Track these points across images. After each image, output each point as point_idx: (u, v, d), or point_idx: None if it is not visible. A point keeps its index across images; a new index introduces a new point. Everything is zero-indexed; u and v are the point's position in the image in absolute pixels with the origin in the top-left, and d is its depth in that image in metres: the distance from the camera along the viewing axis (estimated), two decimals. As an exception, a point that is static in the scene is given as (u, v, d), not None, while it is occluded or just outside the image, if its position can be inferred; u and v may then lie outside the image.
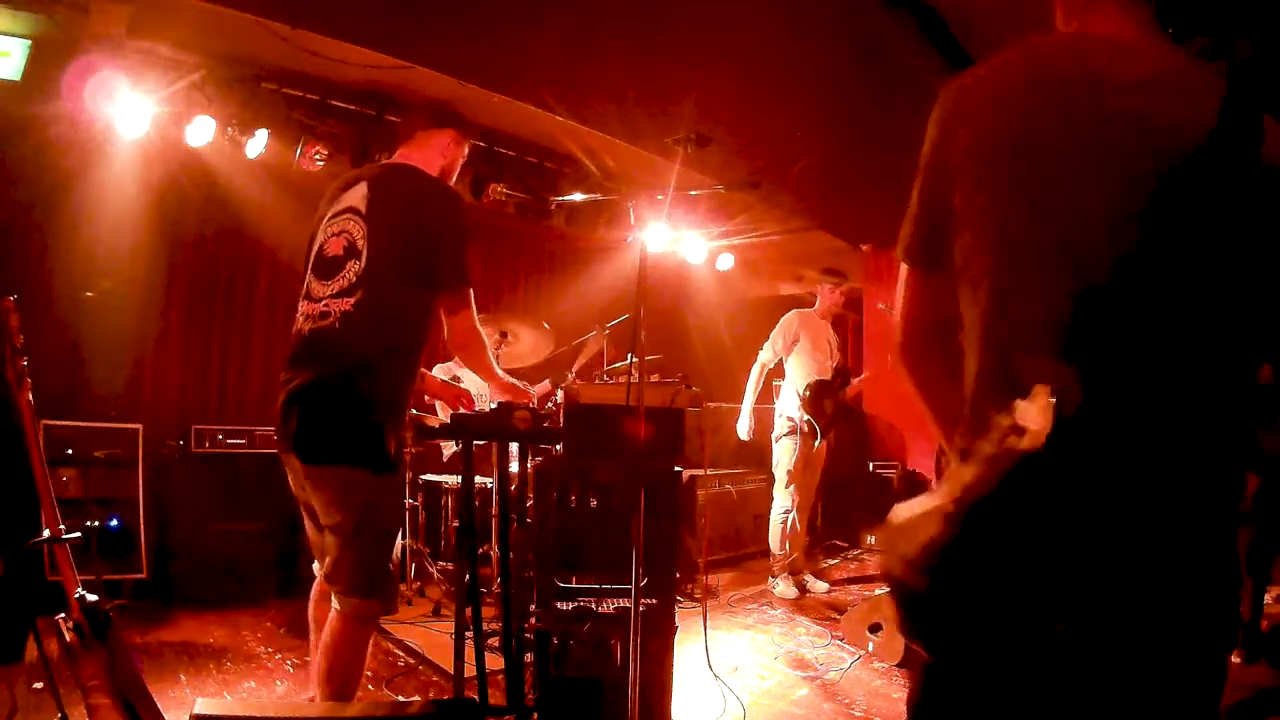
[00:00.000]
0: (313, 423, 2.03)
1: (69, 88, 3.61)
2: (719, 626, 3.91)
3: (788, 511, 4.60)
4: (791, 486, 4.58)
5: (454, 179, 2.44)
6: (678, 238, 6.13)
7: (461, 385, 2.82)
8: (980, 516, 0.71)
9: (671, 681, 2.47)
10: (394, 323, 2.10)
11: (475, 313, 2.25)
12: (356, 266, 2.08)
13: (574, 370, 3.97)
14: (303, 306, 2.18)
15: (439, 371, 4.94)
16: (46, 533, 1.87)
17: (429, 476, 4.53)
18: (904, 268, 1.04)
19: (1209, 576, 0.79)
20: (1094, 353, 0.77)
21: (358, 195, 2.18)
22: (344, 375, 2.03)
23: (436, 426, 2.54)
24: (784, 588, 4.64)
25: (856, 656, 3.49)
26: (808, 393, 4.57)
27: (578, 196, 3.85)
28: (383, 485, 2.09)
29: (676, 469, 2.53)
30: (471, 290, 2.24)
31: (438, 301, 2.21)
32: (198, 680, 3.00)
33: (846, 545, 6.11)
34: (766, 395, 4.83)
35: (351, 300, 2.06)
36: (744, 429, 4.75)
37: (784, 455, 4.62)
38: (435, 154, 2.36)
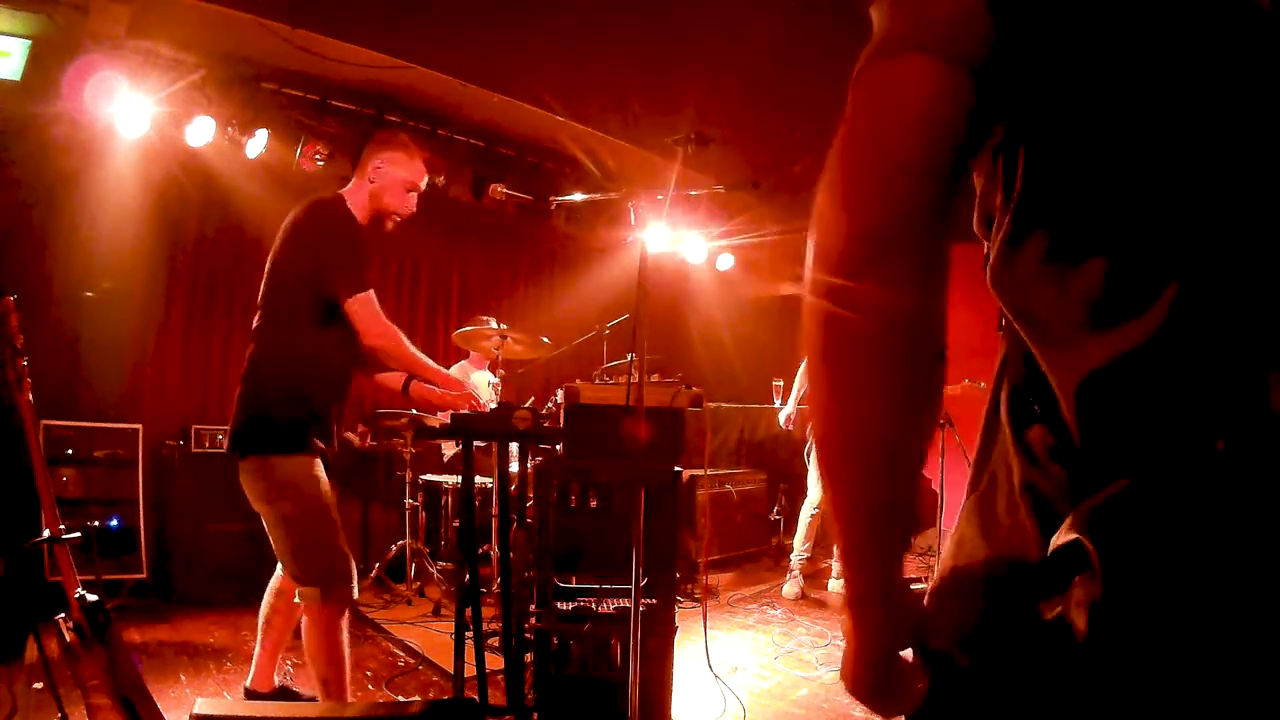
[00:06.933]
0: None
1: (69, 88, 3.61)
2: (719, 626, 3.91)
3: (817, 507, 4.62)
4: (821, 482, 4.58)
5: (399, 196, 2.43)
6: (678, 238, 6.13)
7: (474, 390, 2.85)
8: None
9: (671, 681, 2.47)
10: (273, 338, 2.31)
11: (378, 314, 2.30)
12: (260, 294, 2.36)
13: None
14: None
15: (452, 372, 4.95)
16: (46, 533, 1.87)
17: (429, 476, 4.53)
18: (895, 67, 0.58)
19: None
20: None
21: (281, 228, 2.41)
22: (243, 383, 2.32)
23: (437, 426, 2.55)
24: (789, 586, 4.64)
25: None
26: None
27: (578, 196, 3.83)
28: (271, 469, 2.21)
29: (676, 469, 2.53)
30: (364, 296, 2.28)
31: (321, 312, 2.29)
32: (198, 680, 3.00)
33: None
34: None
35: (254, 320, 2.36)
36: (782, 417, 4.92)
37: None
38: (362, 181, 2.43)
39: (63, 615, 1.81)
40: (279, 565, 2.50)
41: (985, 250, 0.67)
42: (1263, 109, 0.54)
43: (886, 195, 0.57)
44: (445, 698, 2.87)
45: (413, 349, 2.41)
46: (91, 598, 1.81)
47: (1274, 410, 0.49)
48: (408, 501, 4.49)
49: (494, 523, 3.73)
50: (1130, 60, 0.55)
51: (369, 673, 3.17)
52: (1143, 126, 0.55)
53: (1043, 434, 0.60)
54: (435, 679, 3.14)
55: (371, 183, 2.40)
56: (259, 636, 2.52)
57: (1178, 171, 0.54)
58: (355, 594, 2.27)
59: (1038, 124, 0.59)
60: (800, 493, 5.01)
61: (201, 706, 1.68)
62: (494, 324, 3.50)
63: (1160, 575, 0.51)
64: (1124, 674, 0.52)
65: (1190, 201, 0.54)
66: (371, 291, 2.29)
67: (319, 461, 2.27)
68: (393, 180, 2.41)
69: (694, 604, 4.28)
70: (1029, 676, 0.58)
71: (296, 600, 2.25)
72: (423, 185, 2.50)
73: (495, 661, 2.79)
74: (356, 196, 2.41)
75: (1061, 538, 0.54)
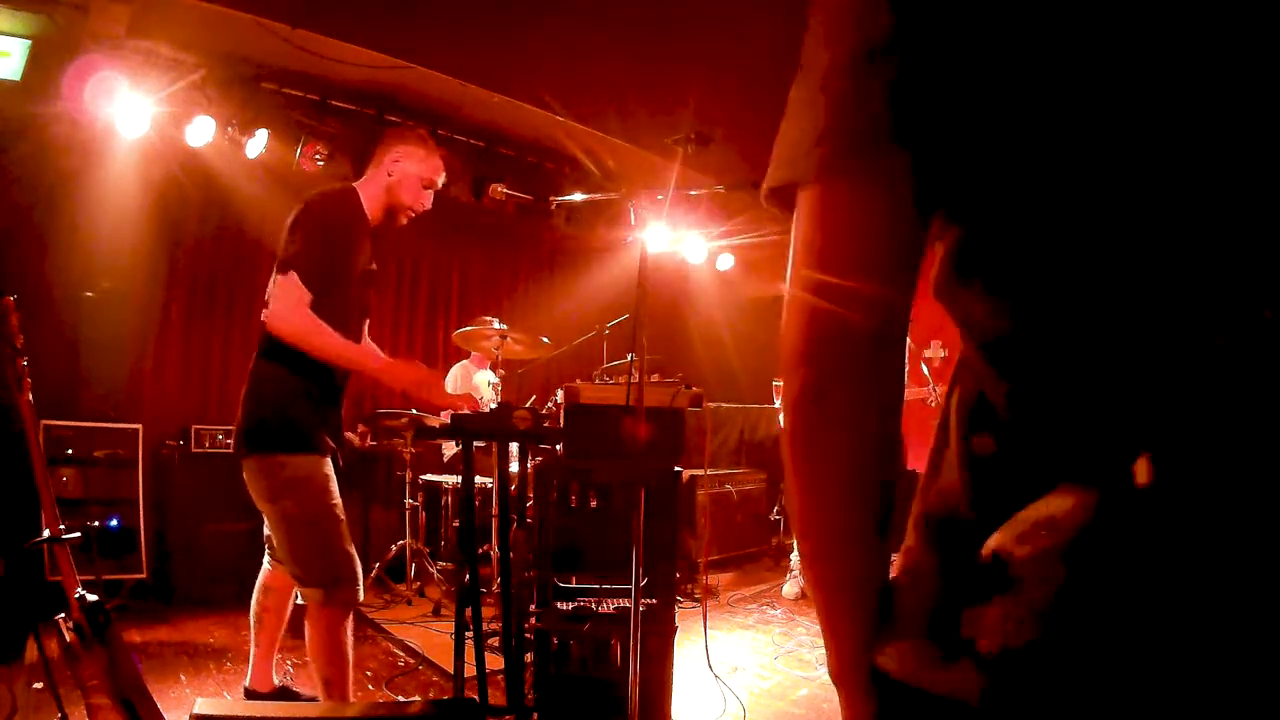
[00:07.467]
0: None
1: (69, 88, 3.61)
2: (719, 626, 3.91)
3: None
4: None
5: (416, 192, 2.41)
6: (678, 238, 6.13)
7: (475, 391, 2.85)
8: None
9: (671, 681, 2.47)
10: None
11: (298, 301, 2.14)
12: (267, 291, 2.27)
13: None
14: None
15: (454, 372, 4.95)
16: (46, 533, 1.87)
17: (429, 476, 4.53)
18: (815, 198, 0.59)
19: None
20: None
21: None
22: (249, 380, 2.26)
23: (437, 426, 2.55)
24: (789, 586, 4.65)
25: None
26: None
27: (578, 196, 3.84)
28: (276, 469, 2.17)
29: (676, 469, 2.53)
30: (293, 276, 2.14)
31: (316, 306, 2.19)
32: (198, 680, 3.00)
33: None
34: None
35: (262, 316, 2.27)
36: (782, 418, 4.87)
37: None
38: (381, 173, 2.40)
39: (63, 615, 1.81)
40: (265, 561, 2.50)
41: None
42: (1191, 158, 0.52)
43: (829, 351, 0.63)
44: (445, 698, 2.87)
45: (337, 343, 2.19)
46: (91, 598, 1.81)
47: (1186, 443, 0.49)
48: (408, 501, 4.49)
49: (494, 523, 3.73)
50: (1060, 116, 0.54)
51: (369, 673, 3.17)
52: (1072, 181, 0.55)
53: (987, 443, 0.61)
54: (435, 679, 3.15)
55: (390, 176, 2.38)
56: (252, 635, 2.52)
57: (1112, 227, 0.54)
58: (360, 596, 2.23)
59: (973, 179, 0.59)
60: (800, 493, 5.01)
61: (201, 706, 1.68)
62: (494, 324, 3.50)
63: (1063, 600, 0.51)
64: (1025, 697, 0.53)
65: (1126, 257, 0.54)
66: (306, 291, 2.13)
67: (328, 461, 2.24)
68: (411, 175, 2.39)
69: (694, 604, 4.28)
70: (953, 694, 0.57)
71: (299, 601, 2.24)
72: (440, 182, 2.47)
73: (495, 661, 2.80)
74: (372, 189, 2.38)
75: (985, 552, 0.56)
